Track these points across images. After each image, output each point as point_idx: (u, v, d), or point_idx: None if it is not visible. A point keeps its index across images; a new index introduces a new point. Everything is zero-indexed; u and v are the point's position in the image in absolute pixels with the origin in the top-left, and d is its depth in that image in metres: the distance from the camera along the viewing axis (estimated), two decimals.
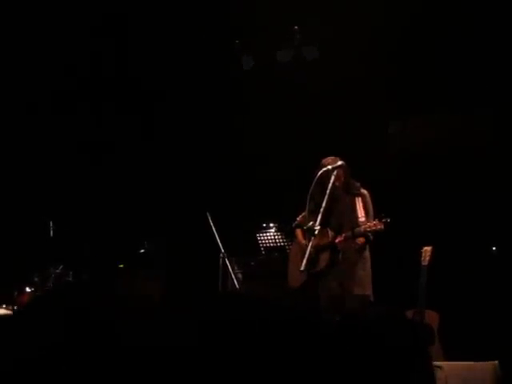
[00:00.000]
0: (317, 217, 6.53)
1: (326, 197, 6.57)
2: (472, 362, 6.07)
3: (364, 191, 6.84)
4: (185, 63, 10.09)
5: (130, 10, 9.76)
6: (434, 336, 7.23)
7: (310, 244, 6.47)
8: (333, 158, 6.83)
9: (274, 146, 9.94)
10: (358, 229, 6.61)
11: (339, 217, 6.75)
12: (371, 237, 6.66)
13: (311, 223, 6.56)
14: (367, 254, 6.79)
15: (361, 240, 6.66)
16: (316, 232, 6.45)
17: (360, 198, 6.74)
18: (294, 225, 7.26)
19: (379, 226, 6.50)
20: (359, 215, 6.64)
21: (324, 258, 6.74)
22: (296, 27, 9.93)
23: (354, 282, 6.70)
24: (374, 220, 6.62)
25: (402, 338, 1.89)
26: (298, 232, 7.12)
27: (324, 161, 6.83)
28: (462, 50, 9.14)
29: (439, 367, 5.53)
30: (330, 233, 6.72)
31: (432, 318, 7.31)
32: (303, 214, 7.03)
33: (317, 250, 6.69)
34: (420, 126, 9.81)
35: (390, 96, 9.36)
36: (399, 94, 9.36)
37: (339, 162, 6.76)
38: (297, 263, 6.80)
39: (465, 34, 9.07)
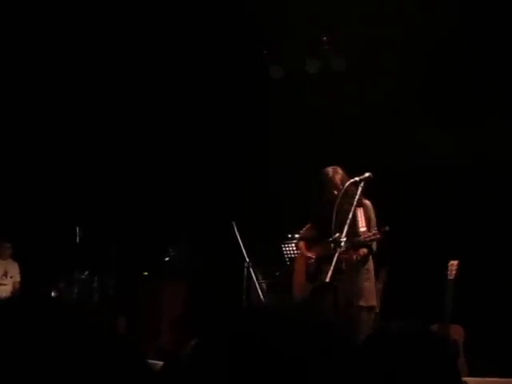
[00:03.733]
0: (340, 228, 6.51)
1: (353, 208, 6.53)
2: (497, 378, 6.01)
3: (366, 201, 6.78)
4: (213, 73, 10.13)
5: (159, 20, 9.81)
6: (458, 351, 7.17)
7: (336, 256, 6.42)
8: (333, 167, 6.80)
9: (300, 156, 9.94)
10: (357, 239, 6.55)
11: (342, 227, 6.67)
12: (374, 247, 6.59)
13: (337, 235, 6.52)
14: (371, 264, 6.72)
15: (363, 251, 6.59)
16: (342, 244, 6.41)
17: (362, 208, 6.69)
18: (298, 237, 7.23)
19: (377, 236, 6.43)
20: (360, 225, 6.59)
21: (327, 269, 6.68)
22: (325, 38, 9.94)
23: (358, 293, 6.64)
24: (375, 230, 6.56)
25: (431, 354, 1.87)
26: (302, 245, 7.06)
27: (326, 170, 6.78)
28: (493, 61, 9.10)
29: (465, 383, 5.47)
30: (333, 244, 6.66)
31: (457, 332, 7.25)
32: (307, 226, 7.02)
33: (319, 262, 6.65)
34: (449, 136, 9.75)
35: (420, 105, 9.33)
36: (430, 103, 9.32)
37: (366, 174, 6.71)
38: (301, 275, 6.82)
39: (497, 45, 9.03)
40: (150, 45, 9.99)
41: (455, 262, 7.44)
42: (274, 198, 10.01)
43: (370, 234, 6.50)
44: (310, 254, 6.81)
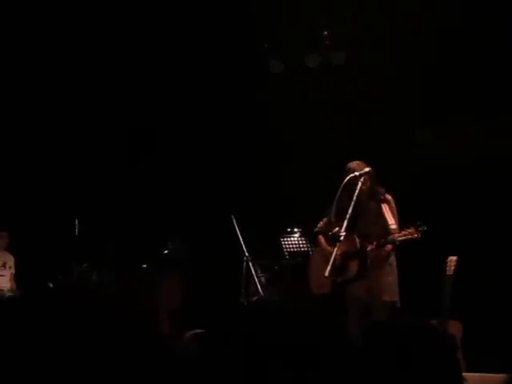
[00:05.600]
0: (341, 223, 6.48)
1: (353, 203, 6.53)
2: (495, 374, 6.02)
3: (389, 197, 6.75)
4: (213, 67, 10.11)
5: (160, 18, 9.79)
6: (456, 346, 7.17)
7: (335, 250, 6.43)
8: (358, 162, 6.77)
9: (301, 150, 9.94)
10: (391, 237, 6.48)
11: (365, 223, 6.67)
12: (398, 242, 6.56)
13: (337, 229, 6.52)
14: (393, 259, 6.72)
15: (389, 247, 6.57)
16: (342, 238, 6.41)
17: (386, 204, 6.66)
18: (315, 230, 7.20)
19: (416, 235, 6.40)
20: (389, 222, 6.52)
21: (353, 265, 6.65)
22: (325, 32, 9.93)
23: (383, 288, 6.62)
24: (402, 226, 6.54)
25: (433, 349, 1.88)
26: (321, 238, 7.02)
27: (350, 165, 6.77)
28: (490, 58, 9.10)
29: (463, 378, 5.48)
30: (358, 240, 6.63)
31: (455, 328, 7.25)
32: (325, 219, 6.99)
33: (344, 258, 6.62)
34: (447, 134, 9.76)
35: (418, 103, 9.33)
36: (427, 101, 9.32)
37: (366, 169, 6.72)
38: (321, 270, 6.74)
39: (494, 43, 9.03)
40: (148, 41, 9.96)
41: (454, 258, 7.43)
42: (273, 191, 10.01)
43: (407, 232, 6.44)
44: (330, 248, 6.71)
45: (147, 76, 10.25)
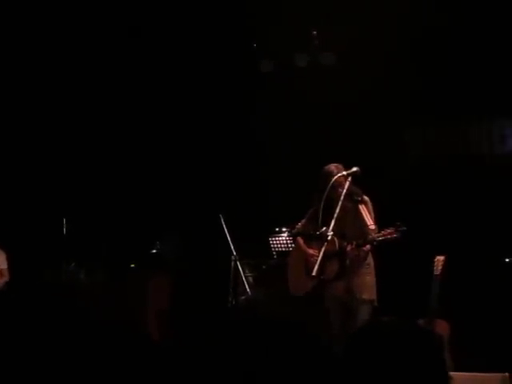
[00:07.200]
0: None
1: (340, 202, 6.56)
2: (482, 373, 6.04)
3: (366, 198, 6.79)
4: (202, 65, 10.11)
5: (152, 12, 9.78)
6: (443, 346, 7.19)
7: (323, 250, 6.45)
8: (336, 164, 6.80)
9: (290, 150, 9.95)
10: (370, 237, 6.55)
11: (342, 224, 6.69)
12: (376, 243, 6.61)
13: (324, 229, 6.54)
14: (371, 259, 6.78)
15: (368, 247, 6.63)
16: (329, 238, 6.44)
17: (363, 205, 6.70)
18: (293, 232, 7.24)
19: (395, 235, 6.46)
20: (368, 223, 6.58)
21: (332, 265, 6.70)
22: (314, 32, 9.94)
23: (362, 288, 6.69)
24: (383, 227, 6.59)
25: (420, 349, 1.89)
26: (299, 240, 7.08)
27: (328, 168, 6.78)
28: (479, 60, 9.14)
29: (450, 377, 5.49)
30: (337, 240, 6.66)
31: (442, 327, 7.27)
32: (303, 221, 7.04)
33: (323, 258, 6.66)
34: (436, 135, 9.80)
35: (407, 103, 9.36)
36: (416, 102, 9.35)
37: (354, 168, 6.73)
38: (299, 271, 6.84)
39: (482, 46, 9.07)
40: (136, 39, 9.96)
41: (441, 258, 7.45)
42: (261, 191, 10.01)
43: (386, 232, 6.50)
44: (311, 251, 6.82)
45: (133, 71, 10.23)
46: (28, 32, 9.77)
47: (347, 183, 6.64)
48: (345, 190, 6.60)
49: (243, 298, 8.63)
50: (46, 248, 9.86)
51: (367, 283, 6.74)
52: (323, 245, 6.48)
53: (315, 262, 6.45)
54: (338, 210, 6.51)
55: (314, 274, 6.42)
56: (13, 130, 10.40)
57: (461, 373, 6.15)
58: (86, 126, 10.48)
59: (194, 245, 9.87)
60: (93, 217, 10.21)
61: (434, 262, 7.44)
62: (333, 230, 6.47)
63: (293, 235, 7.30)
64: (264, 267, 8.78)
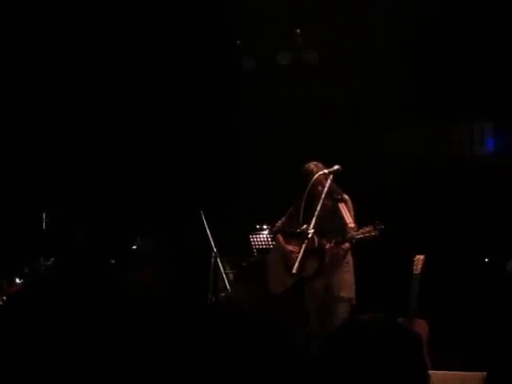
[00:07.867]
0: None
1: (321, 200, 6.56)
2: (460, 372, 6.07)
3: (346, 196, 6.81)
4: (186, 62, 10.08)
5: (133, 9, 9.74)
6: (422, 345, 7.20)
7: (303, 247, 6.45)
8: (315, 163, 6.81)
9: (271, 147, 9.94)
10: (349, 235, 6.58)
11: (321, 222, 6.68)
12: (355, 241, 6.64)
13: (305, 226, 6.54)
14: (350, 257, 6.81)
15: (347, 245, 6.66)
16: (310, 235, 6.44)
17: (343, 204, 6.72)
18: (273, 230, 7.26)
19: (373, 233, 6.49)
20: (347, 221, 6.60)
21: (312, 263, 6.72)
22: (298, 30, 9.94)
23: (341, 285, 6.72)
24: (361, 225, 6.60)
25: (399, 347, 1.88)
26: (279, 237, 7.09)
27: (308, 166, 6.78)
28: (461, 62, 9.17)
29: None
30: (316, 238, 6.67)
31: (421, 326, 7.29)
32: (283, 218, 7.05)
33: (303, 255, 6.66)
34: (417, 134, 9.83)
35: (389, 103, 9.39)
36: (399, 101, 9.37)
37: (336, 167, 6.74)
38: (279, 268, 6.85)
39: (465, 47, 9.11)
40: (122, 36, 9.92)
41: (421, 257, 7.47)
42: (242, 188, 10.00)
43: (365, 230, 6.52)
44: (291, 248, 6.83)
45: (115, 69, 10.19)
46: (28, 32, 9.72)
47: (328, 181, 6.65)
48: (326, 188, 6.60)
49: (223, 294, 8.62)
50: (26, 243, 9.80)
51: (346, 281, 6.76)
52: (303, 242, 6.48)
53: (295, 260, 6.45)
54: (318, 208, 6.52)
55: (294, 271, 6.42)
56: None
57: (439, 372, 6.18)
58: (66, 121, 10.42)
59: (175, 241, 9.84)
60: (72, 212, 10.16)
61: (413, 261, 7.47)
62: (314, 228, 6.47)
63: (273, 233, 7.32)
64: (244, 264, 8.78)
